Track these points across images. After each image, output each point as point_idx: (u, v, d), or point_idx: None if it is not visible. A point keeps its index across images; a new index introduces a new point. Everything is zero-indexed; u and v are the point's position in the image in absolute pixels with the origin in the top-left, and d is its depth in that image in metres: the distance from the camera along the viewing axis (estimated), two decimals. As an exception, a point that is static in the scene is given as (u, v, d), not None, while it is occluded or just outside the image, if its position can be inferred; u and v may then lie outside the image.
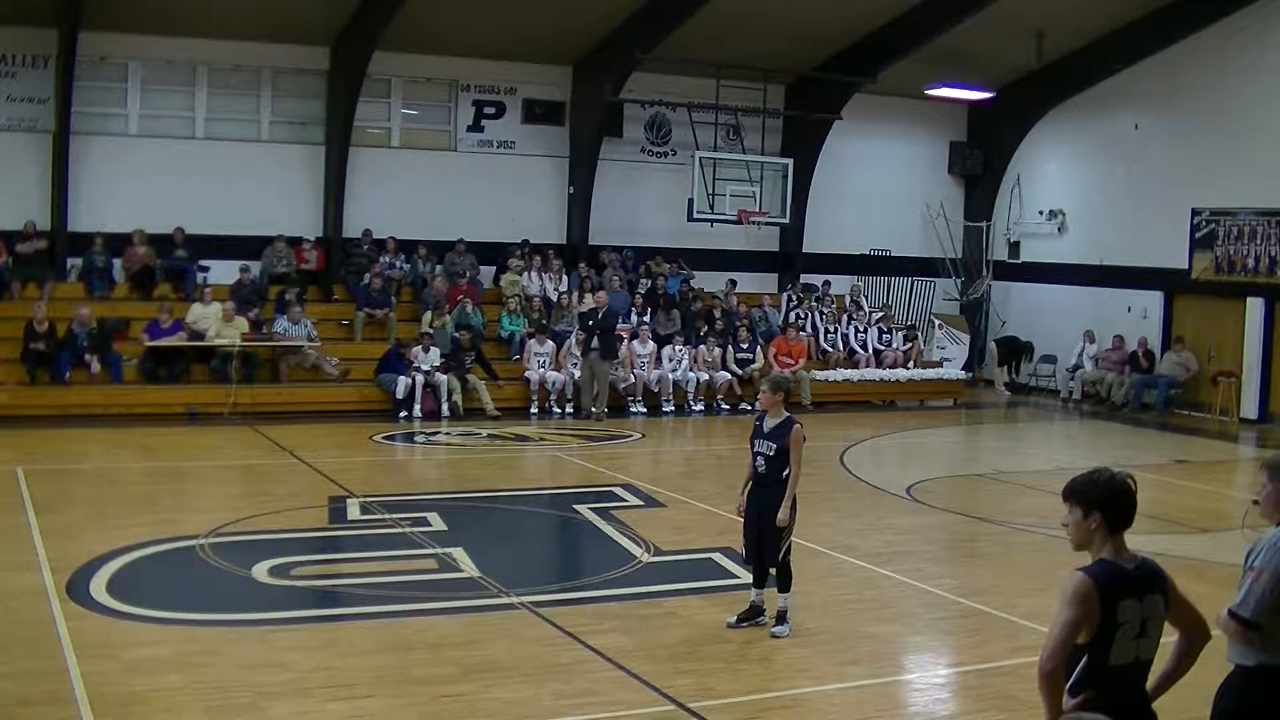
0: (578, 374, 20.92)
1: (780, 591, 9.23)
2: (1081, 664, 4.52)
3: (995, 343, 27.16)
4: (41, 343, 18.92)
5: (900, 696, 8.45)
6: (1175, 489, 16.30)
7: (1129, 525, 4.61)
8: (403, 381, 19.88)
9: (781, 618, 9.19)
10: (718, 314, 23.61)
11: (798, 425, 9.22)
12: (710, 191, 23.75)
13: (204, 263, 21.82)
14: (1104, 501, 4.59)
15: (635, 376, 21.51)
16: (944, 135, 28.15)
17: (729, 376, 22.34)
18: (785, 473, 9.15)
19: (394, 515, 12.92)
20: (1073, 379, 25.22)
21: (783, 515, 9.08)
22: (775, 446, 9.13)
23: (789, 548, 9.24)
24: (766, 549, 9.20)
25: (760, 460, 9.20)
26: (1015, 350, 26.71)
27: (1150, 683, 4.71)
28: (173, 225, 21.61)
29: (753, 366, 22.43)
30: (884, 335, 24.81)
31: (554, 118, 24.88)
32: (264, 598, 9.94)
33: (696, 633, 9.21)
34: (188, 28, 21.43)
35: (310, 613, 9.73)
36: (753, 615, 9.36)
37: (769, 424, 9.23)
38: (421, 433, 18.98)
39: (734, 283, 25.18)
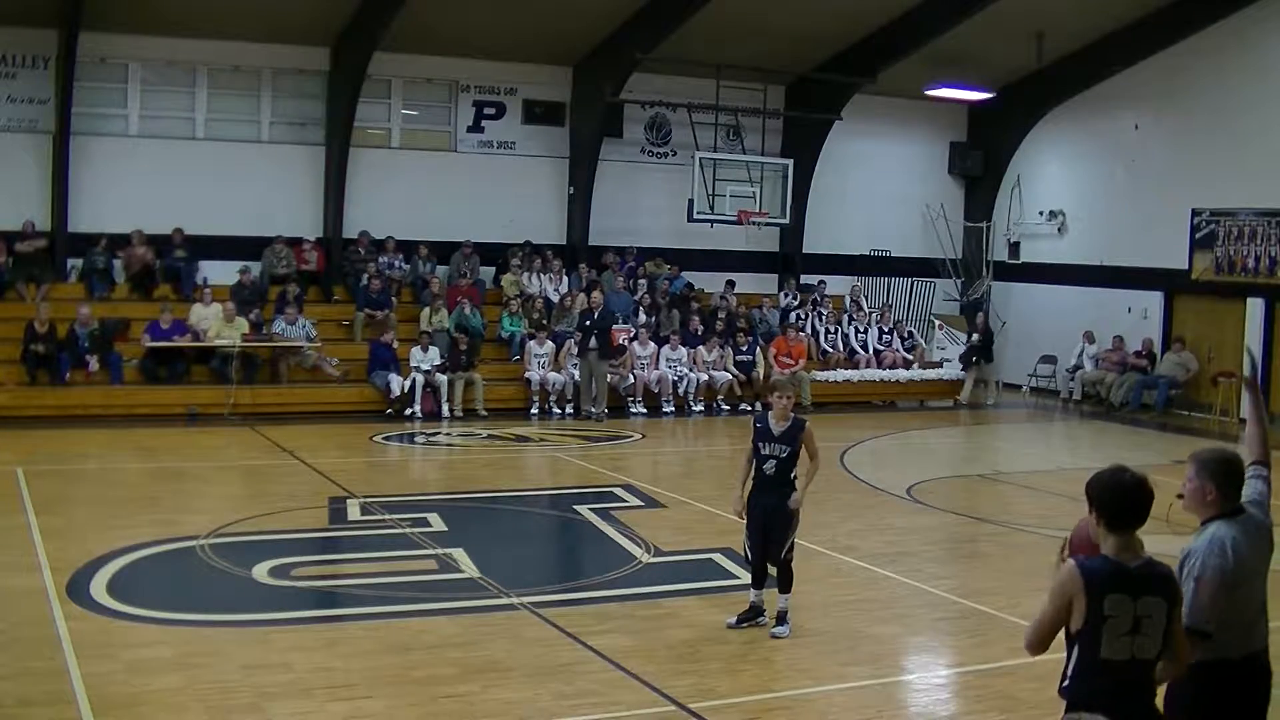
0: (577, 375, 20.94)
1: (781, 592, 9.24)
2: (1074, 654, 4.58)
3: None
4: (42, 343, 18.92)
5: (901, 697, 8.45)
6: (1175, 489, 16.26)
7: (1130, 525, 4.62)
8: (396, 380, 19.90)
9: (782, 618, 9.20)
10: (720, 315, 23.61)
11: (809, 423, 9.35)
12: (710, 192, 23.73)
13: (201, 264, 21.81)
14: (1100, 499, 4.65)
15: (635, 377, 21.52)
16: (944, 136, 28.14)
17: (729, 377, 22.34)
18: (793, 474, 9.22)
19: (394, 516, 12.92)
20: (1073, 379, 25.20)
21: (799, 497, 9.18)
22: (789, 449, 9.18)
23: (792, 546, 9.26)
24: (772, 547, 9.23)
25: (771, 464, 9.20)
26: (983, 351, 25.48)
27: None
28: (172, 225, 21.60)
29: (757, 370, 22.46)
30: (884, 335, 24.81)
31: (554, 118, 24.88)
32: (264, 598, 9.94)
33: (696, 633, 9.21)
34: (188, 28, 21.42)
35: (311, 613, 9.73)
36: (752, 616, 9.37)
37: (778, 427, 9.23)
38: (421, 433, 18.99)
39: (732, 283, 25.19)
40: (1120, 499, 4.63)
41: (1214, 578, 4.96)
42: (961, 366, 24.89)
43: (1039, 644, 4.69)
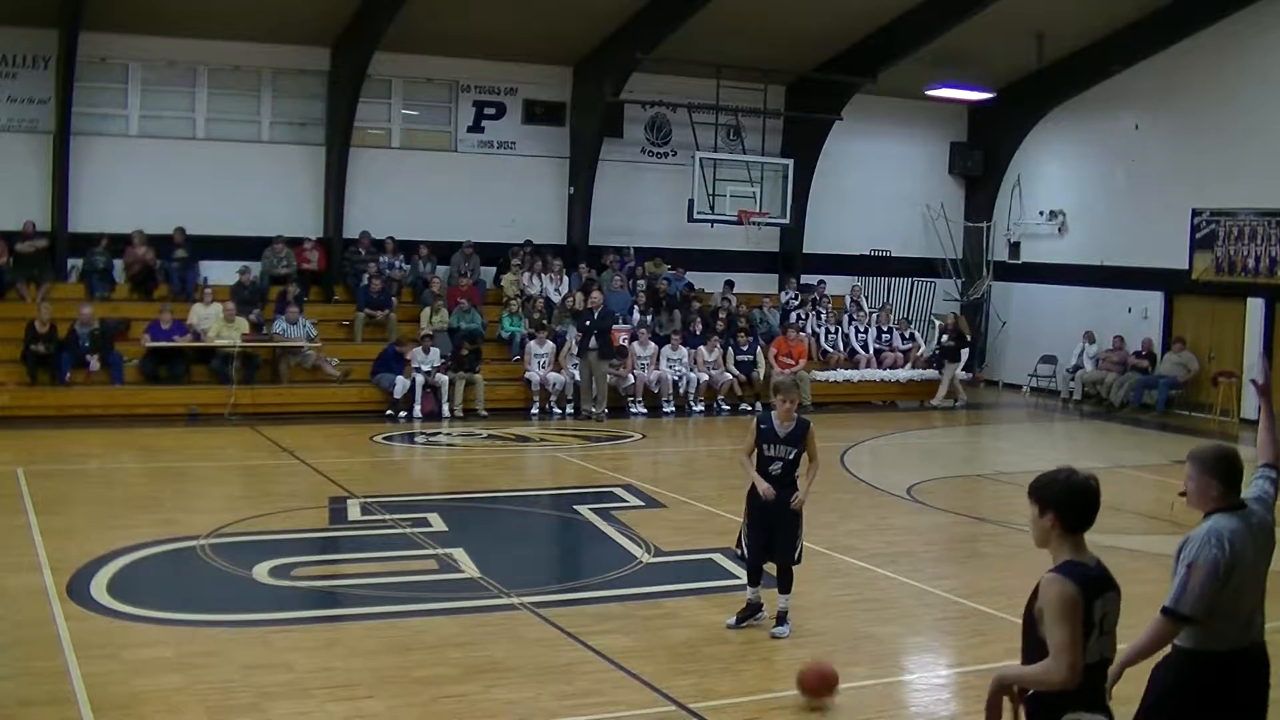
0: (577, 375, 20.95)
1: (781, 592, 9.24)
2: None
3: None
4: (42, 343, 18.93)
5: (901, 697, 8.45)
6: (1175, 489, 16.26)
7: (1087, 526, 4.61)
8: (401, 381, 19.91)
9: (782, 618, 9.20)
10: (721, 315, 23.60)
11: (813, 424, 9.40)
12: (710, 192, 23.73)
13: (201, 263, 21.83)
14: (1058, 501, 4.58)
15: (635, 377, 21.52)
16: (944, 136, 28.14)
17: (729, 377, 22.34)
18: (797, 473, 9.27)
19: (394, 516, 12.92)
20: (1073, 379, 25.20)
21: (801, 497, 9.19)
22: (795, 450, 9.21)
23: (801, 549, 9.30)
24: (782, 548, 9.25)
25: (777, 465, 9.23)
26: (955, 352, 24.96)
27: None
28: (172, 225, 21.61)
29: (758, 370, 22.47)
30: (882, 335, 24.80)
31: (554, 118, 24.89)
32: (264, 598, 9.95)
33: (697, 633, 9.21)
34: (188, 28, 21.43)
35: (311, 613, 9.72)
36: (751, 613, 9.38)
37: (784, 428, 9.25)
38: (422, 433, 18.99)
39: (731, 284, 25.20)
40: (1079, 500, 4.58)
41: (1207, 566, 5.03)
42: (937, 368, 24.51)
43: (1078, 669, 4.43)
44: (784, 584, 9.25)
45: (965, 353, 25.86)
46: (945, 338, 24.73)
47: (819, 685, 7.68)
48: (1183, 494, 5.37)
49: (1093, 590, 4.49)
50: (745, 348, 22.69)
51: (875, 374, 24.13)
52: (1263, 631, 5.32)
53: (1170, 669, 5.22)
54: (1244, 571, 5.12)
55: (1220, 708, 5.16)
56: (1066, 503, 4.56)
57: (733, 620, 9.36)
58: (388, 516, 12.93)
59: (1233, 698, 5.19)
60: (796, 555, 9.28)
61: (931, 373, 24.81)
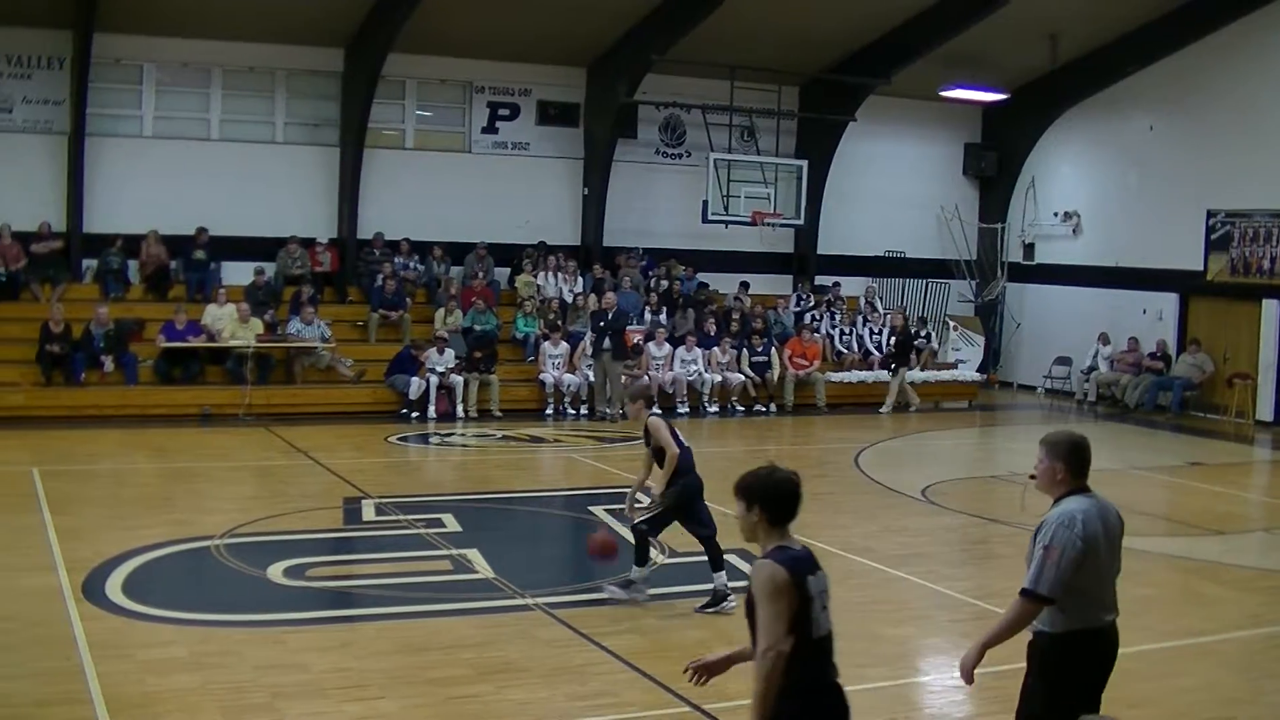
0: (592, 375, 20.96)
1: (636, 565, 10.01)
2: (790, 643, 4.68)
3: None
4: (57, 344, 18.99)
5: (915, 699, 8.43)
6: (1190, 491, 16.26)
7: (791, 519, 4.82)
8: (415, 383, 19.93)
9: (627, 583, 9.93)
10: (735, 316, 23.58)
11: (653, 417, 9.95)
12: (724, 193, 23.70)
13: (214, 264, 21.90)
14: (764, 497, 4.80)
15: (650, 378, 21.50)
16: (958, 137, 28.10)
17: (740, 378, 22.31)
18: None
19: (409, 516, 12.94)
20: (1088, 381, 25.13)
21: (659, 492, 9.87)
22: (647, 448, 9.97)
23: (651, 522, 10.02)
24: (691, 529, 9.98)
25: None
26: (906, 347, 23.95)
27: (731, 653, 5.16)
28: (187, 226, 21.67)
29: (772, 371, 22.43)
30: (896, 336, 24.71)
31: (568, 119, 24.90)
32: (279, 598, 9.97)
33: (710, 634, 9.20)
34: (202, 30, 21.50)
35: (325, 614, 9.76)
36: (628, 585, 10.07)
37: (640, 429, 10.04)
38: (436, 434, 19.01)
39: (746, 285, 25.18)
40: (782, 496, 4.80)
41: (1062, 547, 5.25)
42: (890, 373, 23.47)
43: (777, 648, 4.71)
44: (638, 555, 9.99)
45: (956, 354, 25.87)
46: (893, 340, 23.97)
47: (600, 550, 9.70)
48: (1032, 477, 5.59)
49: (803, 569, 4.72)
50: (760, 349, 22.66)
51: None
52: (1116, 609, 5.51)
53: (1039, 652, 5.41)
54: (1098, 551, 5.33)
55: (1086, 684, 5.37)
56: (771, 499, 4.80)
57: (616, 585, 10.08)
58: (402, 517, 12.95)
59: (1084, 674, 5.39)
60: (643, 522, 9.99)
61: (945, 374, 24.81)
